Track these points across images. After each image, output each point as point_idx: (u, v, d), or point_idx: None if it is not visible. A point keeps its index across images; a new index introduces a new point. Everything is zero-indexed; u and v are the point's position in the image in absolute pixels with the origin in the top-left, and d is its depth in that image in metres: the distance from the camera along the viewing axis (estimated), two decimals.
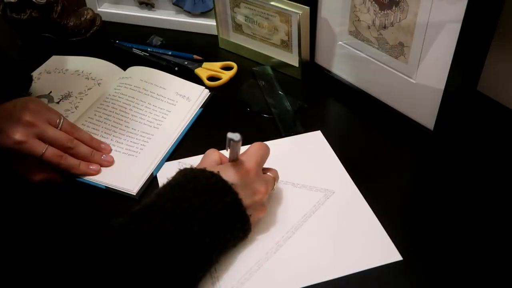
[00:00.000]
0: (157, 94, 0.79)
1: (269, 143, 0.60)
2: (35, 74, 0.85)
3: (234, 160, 0.55)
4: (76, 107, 0.78)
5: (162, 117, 0.75)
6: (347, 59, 0.79)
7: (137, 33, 0.99)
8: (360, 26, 0.74)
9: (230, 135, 0.51)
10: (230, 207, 0.52)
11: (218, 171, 0.53)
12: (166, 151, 0.70)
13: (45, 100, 0.79)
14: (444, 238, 0.58)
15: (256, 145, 0.58)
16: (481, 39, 0.58)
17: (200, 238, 0.50)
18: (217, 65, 0.89)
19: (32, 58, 0.90)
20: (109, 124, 0.74)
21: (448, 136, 0.67)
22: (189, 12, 0.99)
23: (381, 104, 0.75)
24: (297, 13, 0.79)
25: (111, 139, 0.71)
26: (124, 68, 0.86)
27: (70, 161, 0.65)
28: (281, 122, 0.76)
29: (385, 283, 0.54)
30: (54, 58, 0.90)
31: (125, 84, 0.81)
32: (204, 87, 0.81)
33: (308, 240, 0.58)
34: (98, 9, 1.03)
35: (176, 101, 0.78)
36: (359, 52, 0.76)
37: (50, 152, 0.63)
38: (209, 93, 0.81)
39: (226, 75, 0.87)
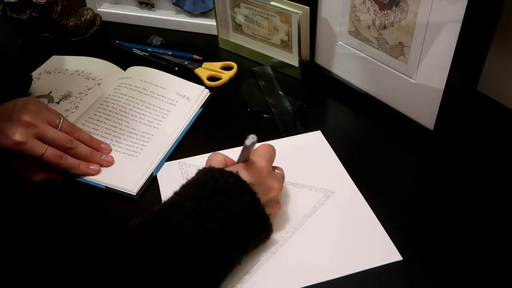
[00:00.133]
0: (157, 94, 0.79)
1: (269, 143, 0.60)
2: (35, 74, 0.85)
3: (246, 161, 0.55)
4: (76, 107, 0.78)
5: (162, 117, 0.75)
6: (347, 59, 0.79)
7: (137, 33, 0.99)
8: (360, 26, 0.74)
9: (248, 141, 0.51)
10: (249, 206, 0.52)
11: (237, 171, 0.53)
12: (166, 151, 0.70)
13: (45, 100, 0.79)
14: (444, 238, 0.58)
15: (265, 145, 0.59)
16: (481, 39, 0.58)
17: (219, 238, 0.49)
18: (217, 65, 0.89)
19: (32, 58, 0.90)
20: (109, 124, 0.74)
21: (448, 136, 0.67)
22: (189, 12, 0.99)
23: (381, 104, 0.75)
24: (297, 13, 0.79)
25: (111, 139, 0.71)
26: (124, 68, 0.86)
27: (70, 161, 0.65)
28: (281, 122, 0.76)
29: (385, 283, 0.54)
30: (54, 58, 0.90)
31: (125, 84, 0.81)
32: (204, 87, 0.81)
33: (308, 240, 0.58)
34: (98, 9, 1.03)
35: (176, 101, 0.78)
36: (359, 52, 0.76)
37: (50, 153, 0.63)
38: (209, 93, 0.81)
39: (226, 75, 0.87)
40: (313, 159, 0.70)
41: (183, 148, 0.72)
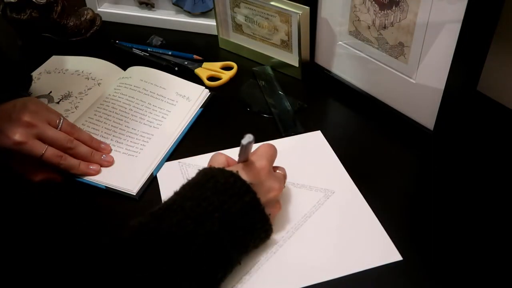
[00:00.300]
0: (157, 94, 0.79)
1: (269, 143, 0.60)
2: (35, 74, 0.85)
3: (246, 160, 0.55)
4: (76, 107, 0.78)
5: (162, 117, 0.75)
6: (347, 59, 0.79)
7: (137, 33, 0.99)
8: (360, 26, 0.74)
9: (244, 140, 0.51)
10: (249, 206, 0.52)
11: (237, 171, 0.53)
12: (166, 151, 0.70)
13: (45, 100, 0.79)
14: (444, 238, 0.58)
15: (265, 145, 0.59)
16: (481, 39, 0.58)
17: (219, 237, 0.50)
18: (217, 65, 0.89)
19: (32, 58, 0.90)
20: (109, 124, 0.74)
21: (448, 136, 0.67)
22: (189, 12, 0.99)
23: (381, 104, 0.75)
24: (297, 13, 0.79)
25: (111, 139, 0.71)
26: (124, 68, 0.86)
27: (70, 161, 0.65)
28: (281, 122, 0.76)
29: (385, 283, 0.54)
30: (54, 58, 0.90)
31: (125, 84, 0.81)
32: (204, 87, 0.81)
33: (308, 240, 0.58)
34: (98, 9, 1.03)
35: (176, 101, 0.78)
36: (359, 52, 0.76)
37: (50, 153, 0.63)
38: (209, 93, 0.81)
39: (226, 75, 0.87)
40: (313, 159, 0.70)
41: (183, 148, 0.72)
